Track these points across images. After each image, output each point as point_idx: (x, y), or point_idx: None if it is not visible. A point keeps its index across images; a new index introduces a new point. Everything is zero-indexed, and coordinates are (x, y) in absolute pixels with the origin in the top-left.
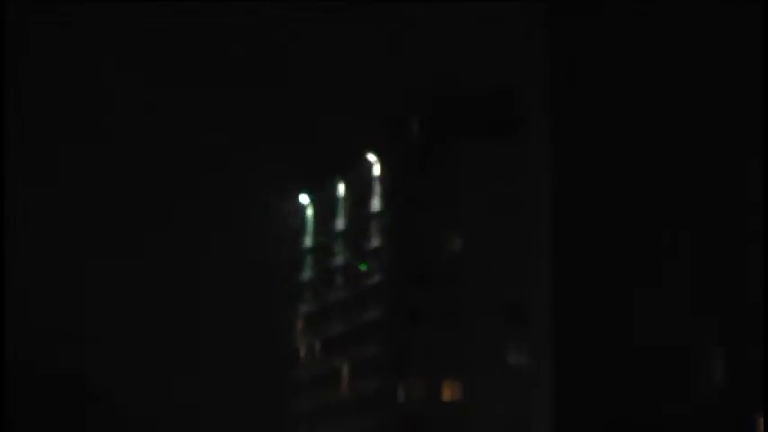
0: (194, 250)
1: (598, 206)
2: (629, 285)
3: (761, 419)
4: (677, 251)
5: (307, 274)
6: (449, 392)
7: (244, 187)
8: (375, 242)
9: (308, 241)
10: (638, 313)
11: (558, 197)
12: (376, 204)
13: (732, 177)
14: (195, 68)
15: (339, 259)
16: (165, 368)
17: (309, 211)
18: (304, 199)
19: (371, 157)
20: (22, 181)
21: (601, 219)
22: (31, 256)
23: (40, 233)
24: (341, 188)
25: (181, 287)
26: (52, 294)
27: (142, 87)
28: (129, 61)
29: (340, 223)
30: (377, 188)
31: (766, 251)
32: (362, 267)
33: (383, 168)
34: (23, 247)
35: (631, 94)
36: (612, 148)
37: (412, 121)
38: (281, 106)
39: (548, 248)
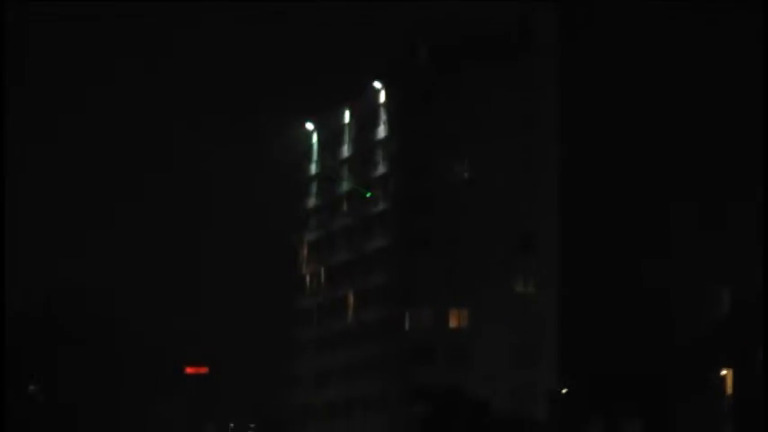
0: (201, 179)
1: (606, 135)
2: (636, 215)
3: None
4: (685, 184)
5: (312, 201)
6: (455, 320)
7: (253, 115)
8: (381, 169)
9: (313, 168)
10: (644, 243)
11: (565, 126)
12: (381, 131)
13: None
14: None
15: (344, 186)
16: (170, 298)
17: (315, 138)
18: (309, 126)
19: (377, 83)
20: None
21: (609, 148)
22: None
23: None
24: (346, 115)
25: (189, 216)
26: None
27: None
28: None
29: (345, 150)
30: (382, 115)
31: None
32: (367, 195)
33: (389, 95)
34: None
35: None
36: (618, 78)
37: (419, 47)
38: (289, 33)
39: (555, 176)
